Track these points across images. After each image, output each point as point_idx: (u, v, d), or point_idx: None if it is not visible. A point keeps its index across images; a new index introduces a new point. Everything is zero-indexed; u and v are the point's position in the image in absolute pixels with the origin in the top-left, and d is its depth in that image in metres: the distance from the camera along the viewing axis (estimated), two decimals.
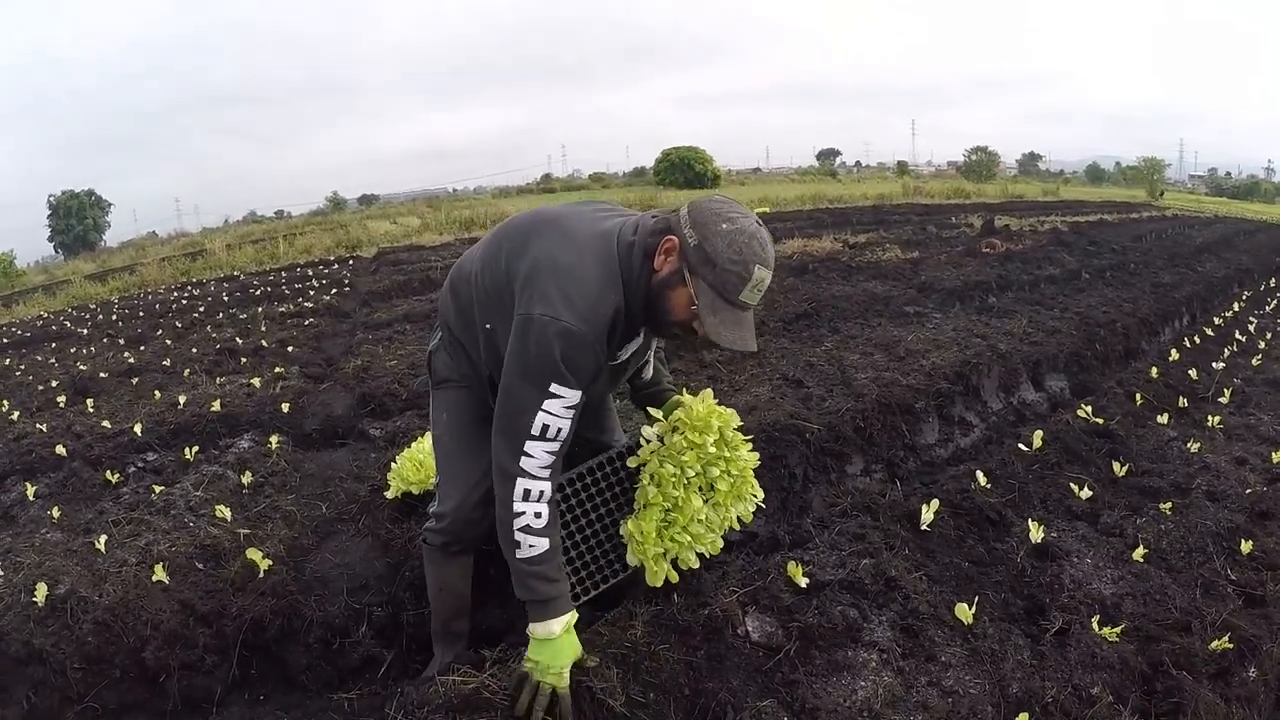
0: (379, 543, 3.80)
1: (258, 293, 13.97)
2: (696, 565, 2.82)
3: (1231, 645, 2.99)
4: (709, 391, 2.86)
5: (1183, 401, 5.83)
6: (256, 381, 6.85)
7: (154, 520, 3.93)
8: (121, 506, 4.16)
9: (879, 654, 2.71)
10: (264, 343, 8.89)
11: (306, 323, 10.26)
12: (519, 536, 2.33)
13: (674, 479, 2.71)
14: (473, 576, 3.10)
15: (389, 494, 4.09)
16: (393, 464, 4.19)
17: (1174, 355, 7.16)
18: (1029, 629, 3.04)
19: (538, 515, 2.34)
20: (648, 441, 2.79)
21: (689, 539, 2.76)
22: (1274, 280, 13.46)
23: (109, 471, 4.80)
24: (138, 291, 19.16)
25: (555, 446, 2.34)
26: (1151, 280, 10.59)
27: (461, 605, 3.10)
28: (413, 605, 3.45)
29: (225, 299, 13.70)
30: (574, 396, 2.31)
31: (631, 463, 2.84)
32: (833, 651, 2.70)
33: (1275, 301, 10.93)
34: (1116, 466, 4.47)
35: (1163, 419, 5.41)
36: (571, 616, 2.43)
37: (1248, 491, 4.29)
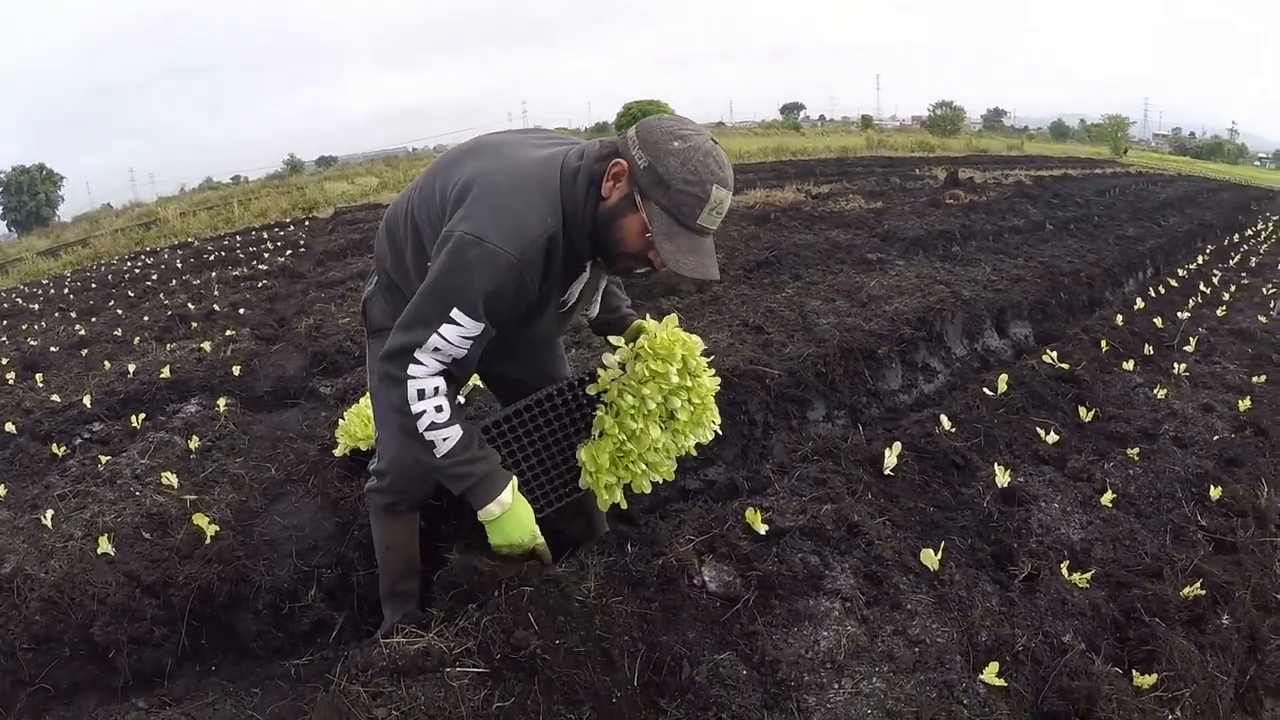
0: (328, 502, 3.67)
1: (211, 258, 13.72)
2: (649, 489, 2.70)
3: (1204, 592, 2.91)
4: (673, 317, 2.69)
5: (1148, 349, 5.77)
6: (207, 346, 6.66)
7: (100, 491, 3.83)
8: (68, 480, 4.04)
9: (842, 603, 2.55)
10: (216, 307, 8.67)
11: (260, 285, 10.06)
12: (428, 436, 2.24)
13: (633, 410, 2.57)
14: (420, 534, 2.98)
15: (337, 452, 3.96)
16: (340, 420, 4.06)
17: (1139, 304, 7.12)
18: (997, 575, 2.92)
19: (439, 409, 2.23)
20: (606, 369, 2.63)
21: (644, 468, 2.64)
22: (1236, 236, 13.50)
23: (55, 445, 4.62)
24: (91, 264, 18.79)
25: (447, 360, 2.23)
26: (1115, 233, 10.56)
27: (410, 564, 2.96)
28: (363, 565, 3.34)
29: (179, 266, 13.42)
30: (474, 328, 2.17)
31: (590, 390, 2.69)
32: (793, 601, 2.55)
33: (1238, 256, 10.94)
34: (1083, 412, 4.37)
35: (1128, 366, 5.34)
36: (513, 481, 2.40)
37: (1215, 438, 4.24)
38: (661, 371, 2.57)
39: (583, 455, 2.67)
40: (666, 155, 2.07)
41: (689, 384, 2.64)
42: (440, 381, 2.23)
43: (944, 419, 3.95)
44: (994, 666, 2.34)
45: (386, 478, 2.75)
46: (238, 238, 16.97)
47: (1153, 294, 7.79)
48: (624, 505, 2.69)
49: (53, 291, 13.55)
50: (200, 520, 3.36)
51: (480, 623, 2.38)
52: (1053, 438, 4.00)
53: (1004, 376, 4.59)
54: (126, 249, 20.32)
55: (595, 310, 2.70)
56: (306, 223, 18.29)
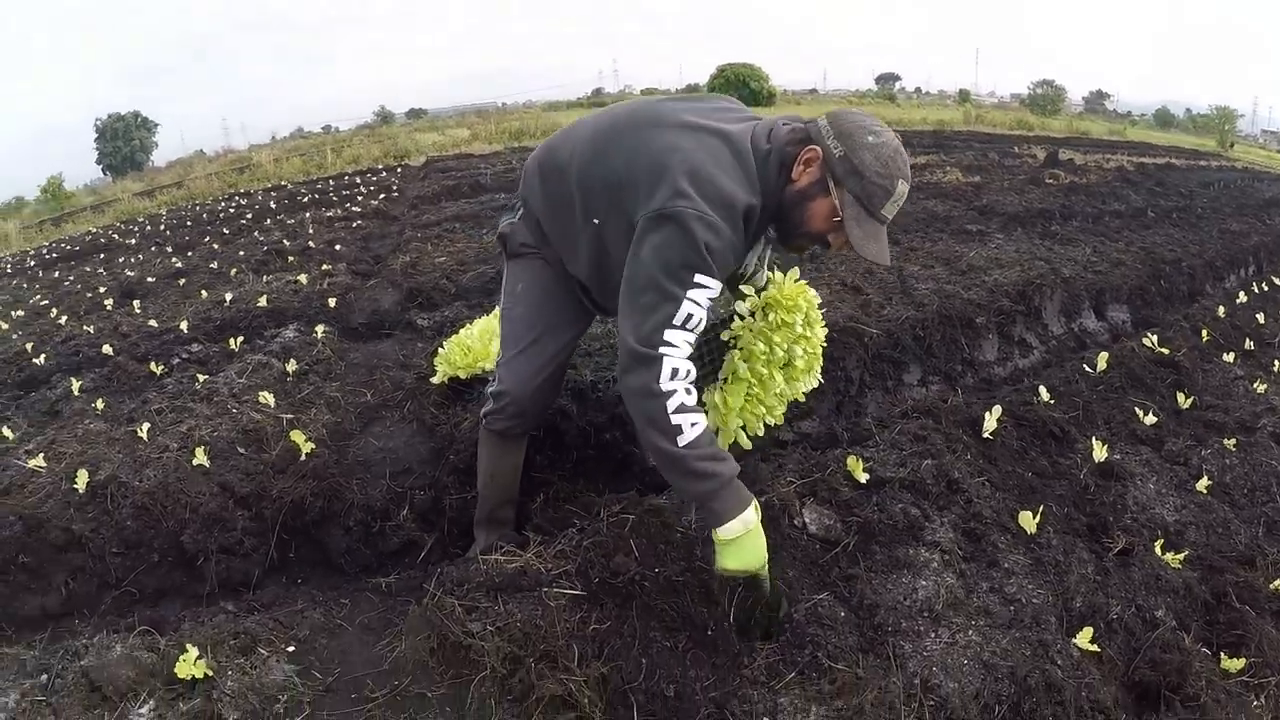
0: (423, 428, 3.70)
1: (305, 199, 13.83)
2: (762, 432, 2.72)
3: None
4: (795, 270, 2.73)
5: (1249, 344, 5.60)
6: (303, 279, 6.75)
7: (197, 408, 3.87)
8: (165, 396, 4.10)
9: (941, 555, 2.58)
10: (311, 244, 8.77)
11: (354, 225, 10.11)
12: (676, 420, 2.15)
13: (764, 357, 2.60)
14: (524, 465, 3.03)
15: (435, 380, 3.98)
16: (440, 349, 4.10)
17: (1242, 298, 6.90)
18: (1092, 546, 2.91)
19: (689, 392, 2.20)
20: (740, 317, 2.67)
21: (763, 410, 2.67)
22: None
23: (153, 364, 4.77)
24: (185, 204, 19.05)
25: (693, 336, 2.22)
26: (1219, 226, 10.17)
27: (510, 493, 3.03)
28: (455, 490, 3.37)
29: (272, 206, 13.60)
30: (716, 287, 2.21)
31: (724, 335, 2.72)
32: (893, 548, 2.59)
33: None
34: (1181, 398, 4.30)
35: (1229, 358, 5.21)
36: (756, 502, 2.29)
37: None
38: (789, 321, 2.63)
39: (714, 398, 2.69)
40: (862, 149, 2.17)
41: (808, 334, 2.71)
42: (691, 366, 2.22)
43: (1043, 390, 3.92)
44: (1088, 632, 2.36)
45: (505, 399, 2.77)
46: (330, 182, 17.07)
47: (1256, 289, 7.55)
48: (747, 446, 2.71)
49: (149, 228, 13.88)
50: (296, 437, 3.42)
51: (580, 546, 2.45)
52: (1151, 419, 3.94)
53: (1104, 355, 4.51)
54: (220, 190, 20.61)
55: (761, 280, 2.75)
56: (399, 169, 18.25)
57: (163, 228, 13.32)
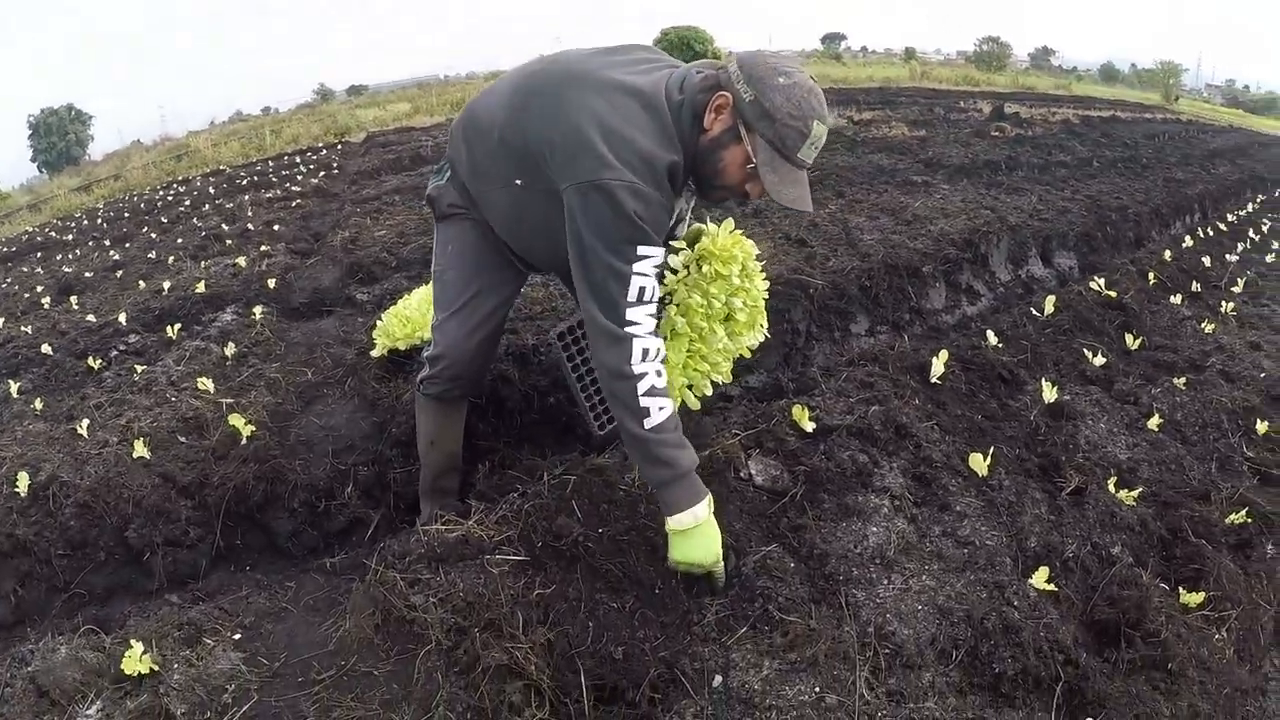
0: (365, 402, 3.64)
1: (243, 182, 13.58)
2: (711, 393, 2.62)
3: (1249, 520, 2.86)
4: (730, 221, 2.62)
5: (1196, 286, 5.66)
6: (242, 261, 6.63)
7: (136, 399, 3.78)
8: (104, 390, 4.02)
9: (891, 500, 2.51)
10: (250, 226, 8.60)
11: (293, 204, 9.92)
12: (645, 402, 2.11)
13: (701, 310, 2.49)
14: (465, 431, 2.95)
15: (374, 353, 3.91)
16: (378, 322, 4.00)
17: (1188, 242, 6.97)
18: (1045, 486, 2.86)
19: (659, 374, 2.15)
20: (673, 271, 2.55)
21: (707, 368, 2.57)
22: None
23: (91, 359, 4.64)
24: (123, 196, 18.61)
25: (653, 309, 2.17)
26: (1164, 175, 10.26)
27: (453, 460, 2.94)
28: (400, 463, 3.31)
29: (211, 191, 13.34)
30: (659, 254, 2.15)
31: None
32: (842, 496, 2.50)
33: None
34: (1129, 339, 4.30)
35: (1176, 299, 5.25)
36: (710, 498, 2.22)
37: (1262, 375, 4.16)
38: (725, 273, 2.52)
39: None
40: (772, 90, 2.07)
41: (746, 286, 2.59)
42: (660, 345, 2.17)
43: (990, 334, 3.88)
44: (1044, 572, 2.30)
45: (441, 363, 2.69)
46: (270, 163, 16.77)
47: (1201, 234, 7.62)
48: (695, 406, 2.61)
49: (85, 224, 13.54)
50: (236, 421, 3.34)
51: (521, 511, 2.35)
52: (1100, 360, 3.91)
53: (1051, 298, 4.51)
54: (158, 180, 20.11)
55: (681, 230, 2.67)
56: (339, 146, 17.96)
57: (100, 221, 13.03)
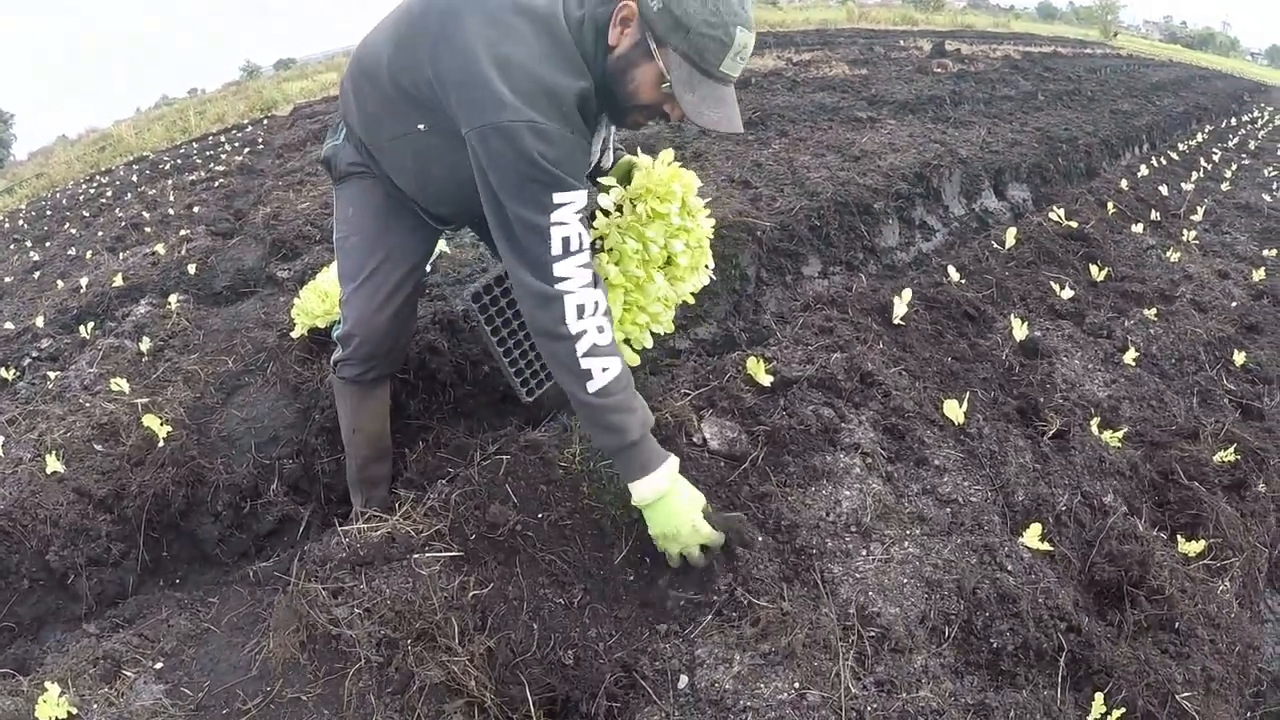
0: (287, 389, 3.37)
1: (166, 167, 12.86)
2: (650, 345, 2.35)
3: (1238, 457, 2.70)
4: (669, 152, 2.31)
5: (1155, 215, 5.52)
6: (160, 249, 6.18)
7: (49, 409, 3.46)
8: (17, 402, 3.66)
9: (863, 458, 2.22)
10: (171, 211, 8.12)
11: (216, 185, 9.38)
12: (585, 364, 1.86)
13: (638, 256, 2.21)
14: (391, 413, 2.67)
15: (295, 333, 3.62)
16: (296, 299, 3.68)
17: (1144, 171, 6.84)
18: (1025, 431, 2.62)
19: (600, 330, 1.88)
20: (604, 213, 2.24)
21: (647, 319, 2.29)
22: (1234, 120, 13.17)
23: (4, 369, 4.29)
24: (46, 194, 17.58)
25: (585, 257, 1.89)
26: (1110, 108, 10.17)
27: (379, 446, 2.66)
28: (327, 452, 3.05)
29: (134, 180, 12.59)
30: (580, 196, 1.87)
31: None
32: (808, 457, 2.22)
33: (1236, 139, 10.61)
34: (1095, 270, 4.12)
35: (1138, 229, 5.08)
36: (673, 461, 1.96)
37: (1234, 304, 4.05)
38: (663, 213, 2.23)
39: None
40: None
41: (687, 225, 2.30)
42: (601, 296, 1.90)
43: (952, 270, 3.64)
44: (1036, 528, 2.06)
45: (353, 341, 2.40)
46: (194, 145, 15.91)
47: (1155, 164, 7.51)
48: (634, 360, 2.30)
49: (6, 225, 12.86)
50: (150, 422, 3.05)
51: (450, 500, 2.07)
52: (1068, 293, 3.72)
53: (1012, 230, 4.31)
54: (81, 173, 19.05)
55: (608, 163, 2.39)
56: (265, 122, 17.01)
57: (21, 222, 12.43)
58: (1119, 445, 2.63)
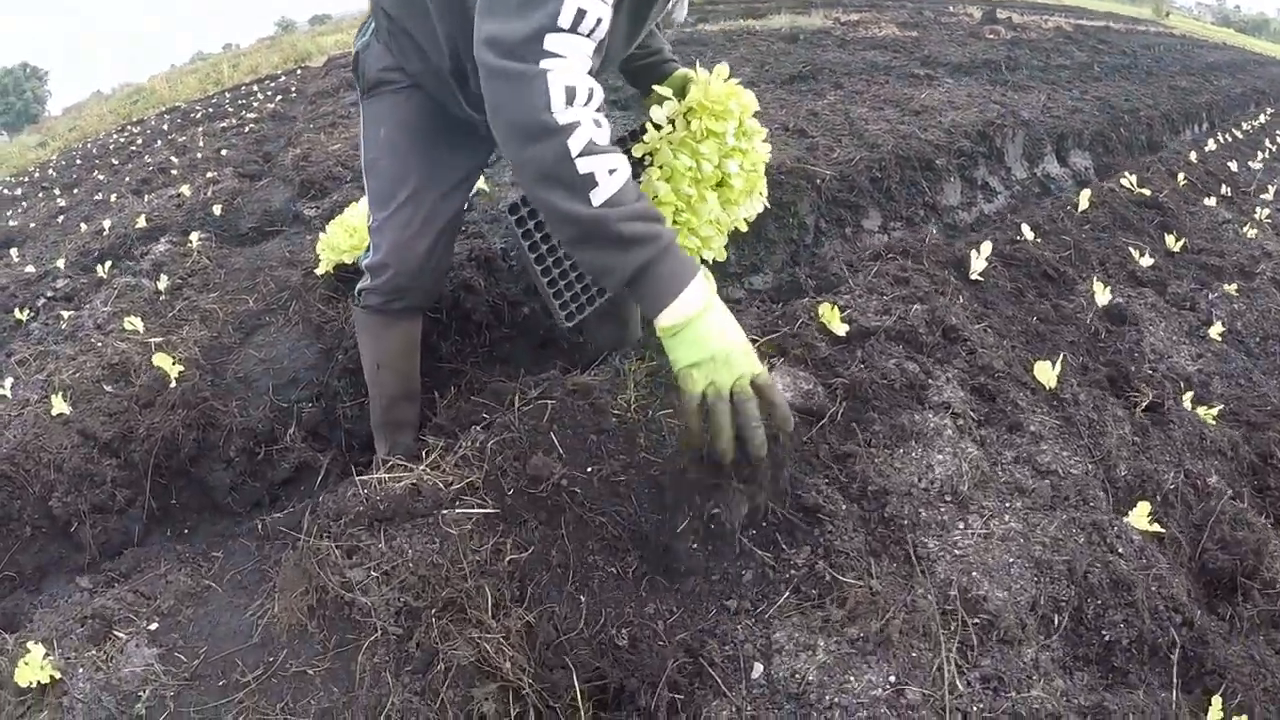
0: (310, 328, 3.17)
1: (198, 115, 12.73)
2: (724, 257, 2.16)
3: None
4: (724, 67, 2.08)
5: (1225, 190, 5.24)
6: (186, 190, 6.04)
7: (60, 349, 3.38)
8: (29, 343, 3.59)
9: (953, 419, 1.97)
10: (199, 155, 8.03)
11: (247, 130, 9.24)
12: (584, 165, 1.41)
13: (690, 174, 1.99)
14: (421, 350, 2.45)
15: (320, 270, 3.40)
16: (321, 234, 3.46)
17: (1211, 146, 6.56)
18: (1119, 401, 2.36)
19: (598, 125, 1.45)
20: (656, 126, 2.03)
21: (698, 243, 2.07)
22: None
23: (19, 311, 4.18)
24: (77, 144, 17.61)
25: (590, 46, 1.48)
26: (1168, 83, 9.76)
27: (407, 385, 2.45)
28: (350, 395, 2.88)
29: (165, 129, 12.46)
30: None
31: (636, 150, 2.07)
32: (894, 415, 1.97)
33: None
34: (1171, 240, 3.84)
35: (1210, 201, 4.79)
36: (704, 272, 1.56)
37: None
38: (719, 131, 2.02)
39: None
40: None
41: (743, 146, 2.10)
42: (596, 85, 1.48)
43: (1025, 228, 3.39)
44: (1144, 507, 1.81)
45: (386, 272, 2.17)
46: (226, 95, 15.73)
47: (1221, 139, 7.22)
48: (721, 256, 2.12)
49: (37, 175, 12.85)
50: (162, 361, 2.86)
51: (486, 448, 1.83)
52: (1148, 260, 3.46)
53: (1086, 192, 4.05)
54: (113, 124, 19.03)
55: (680, 14, 2.13)
56: (298, 72, 16.74)
57: (50, 171, 12.52)
58: (1213, 422, 2.39)
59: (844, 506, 1.72)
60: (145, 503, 2.61)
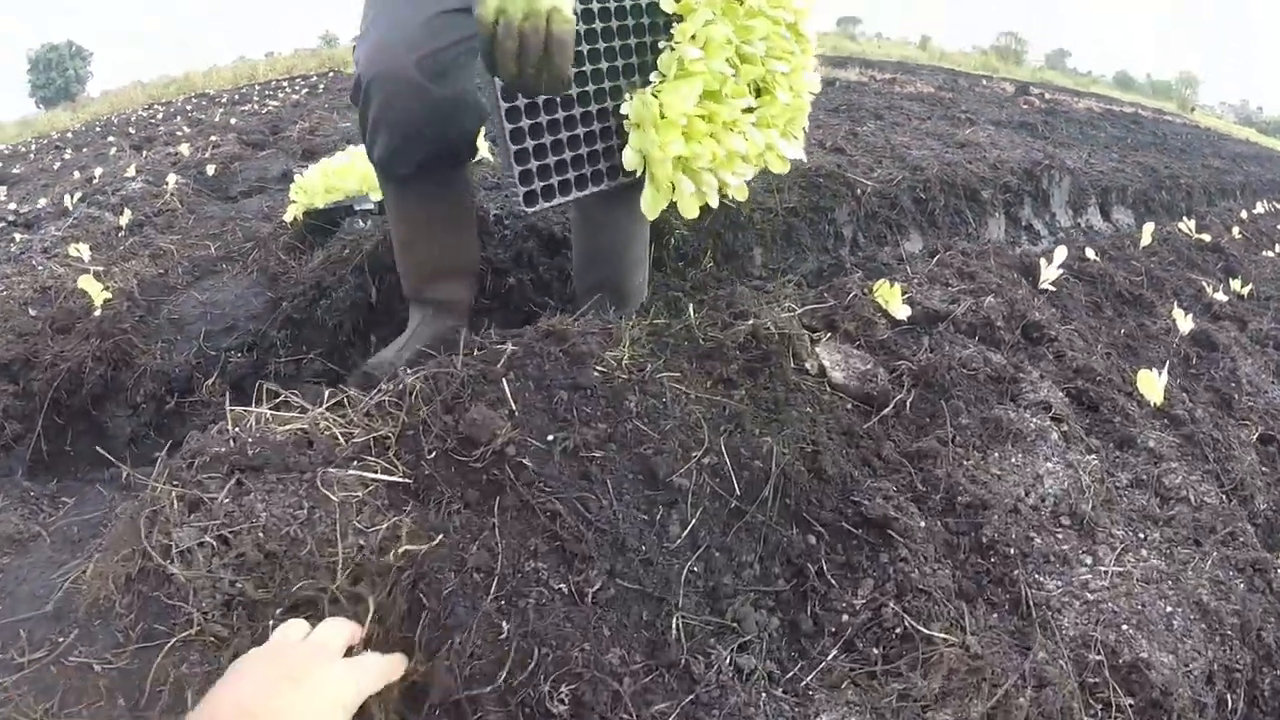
0: (265, 277, 2.92)
1: (224, 99, 12.86)
2: (745, 196, 1.68)
3: None
4: None
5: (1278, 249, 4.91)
6: (185, 149, 5.83)
7: (1, 269, 3.10)
8: None
9: (1055, 423, 1.50)
10: (210, 126, 8.05)
11: (265, 110, 9.22)
12: None
13: (729, 47, 1.57)
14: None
15: (288, 216, 3.18)
16: (297, 176, 3.23)
17: (1260, 209, 6.28)
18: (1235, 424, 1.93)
19: None
20: None
21: (715, 149, 1.58)
22: None
23: None
24: (104, 117, 17.61)
25: None
26: (1201, 162, 9.62)
27: (450, 258, 2.05)
28: (286, 348, 2.50)
29: (189, 108, 12.49)
30: None
31: (666, 5, 1.61)
32: (983, 408, 1.50)
33: None
34: (1236, 284, 3.51)
35: (1269, 254, 4.51)
36: None
37: None
38: (772, 17, 1.63)
39: (637, 105, 1.58)
40: None
41: (794, 53, 1.71)
42: None
43: (1089, 250, 3.04)
44: None
45: (371, 100, 1.68)
46: (256, 87, 15.81)
47: (1266, 207, 7.08)
48: (692, 213, 1.62)
49: (57, 139, 12.87)
50: (88, 284, 2.60)
51: (411, 395, 1.32)
52: (1222, 296, 3.15)
53: (1149, 227, 3.78)
54: (142, 104, 19.19)
55: None
56: (331, 74, 16.82)
57: (70, 135, 12.57)
58: None
59: (922, 523, 1.23)
60: (34, 442, 2.22)
